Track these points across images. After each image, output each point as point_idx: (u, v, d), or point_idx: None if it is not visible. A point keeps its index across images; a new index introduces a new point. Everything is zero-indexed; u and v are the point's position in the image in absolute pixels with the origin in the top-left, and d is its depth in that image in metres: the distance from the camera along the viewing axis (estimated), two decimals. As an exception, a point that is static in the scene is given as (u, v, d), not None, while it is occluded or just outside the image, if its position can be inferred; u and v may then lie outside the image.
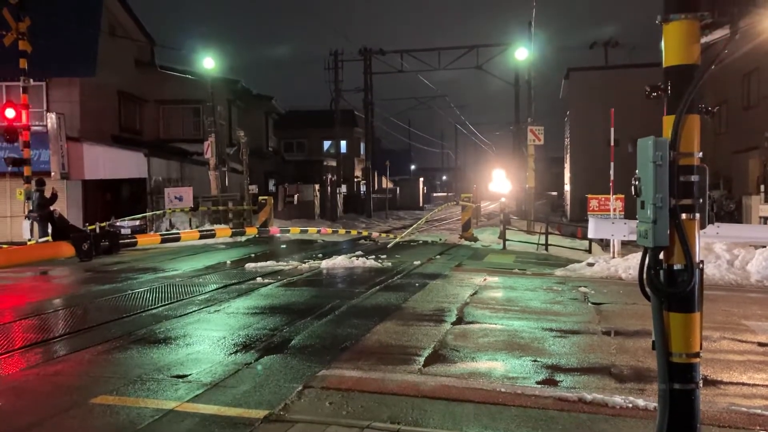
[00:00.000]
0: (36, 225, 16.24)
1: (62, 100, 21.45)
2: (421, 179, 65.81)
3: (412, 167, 74.57)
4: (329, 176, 38.96)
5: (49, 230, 13.49)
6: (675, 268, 2.90)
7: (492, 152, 46.80)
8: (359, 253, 14.67)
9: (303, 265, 12.89)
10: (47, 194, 16.45)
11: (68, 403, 4.52)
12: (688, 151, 2.88)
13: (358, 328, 6.90)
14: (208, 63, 24.37)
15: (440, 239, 21.39)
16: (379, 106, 45.40)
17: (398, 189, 57.44)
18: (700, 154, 2.90)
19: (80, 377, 5.19)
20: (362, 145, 46.97)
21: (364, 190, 45.43)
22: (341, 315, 7.67)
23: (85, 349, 6.09)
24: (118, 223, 19.35)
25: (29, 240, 16.09)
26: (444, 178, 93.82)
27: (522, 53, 31.01)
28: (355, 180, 48.96)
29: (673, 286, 2.91)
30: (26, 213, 16.70)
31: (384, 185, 48.78)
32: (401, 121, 61.63)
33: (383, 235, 24.23)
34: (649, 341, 3.08)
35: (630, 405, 4.37)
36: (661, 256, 2.94)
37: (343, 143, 44.85)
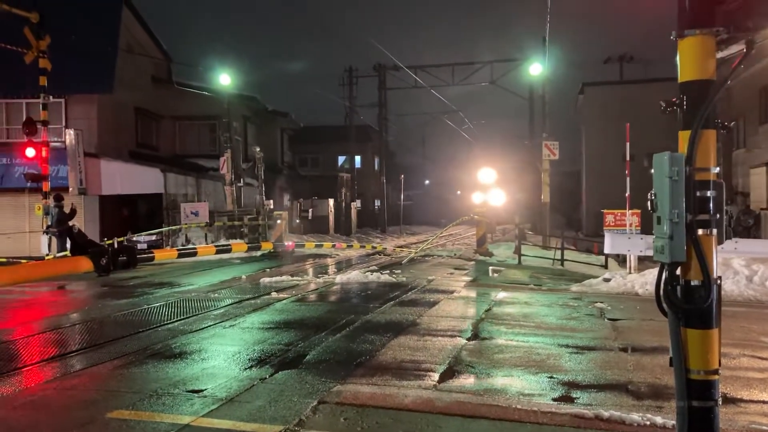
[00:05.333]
0: (54, 240, 16.43)
1: (80, 117, 21.74)
2: (436, 193, 65.74)
3: (427, 182, 74.57)
4: (344, 191, 39.07)
5: (68, 245, 13.62)
6: (692, 283, 2.89)
7: (474, 141, 43.47)
8: (374, 267, 14.68)
9: (318, 279, 12.91)
10: (66, 210, 16.64)
11: (85, 417, 4.54)
12: (704, 166, 2.87)
13: (373, 343, 6.89)
14: (225, 79, 24.64)
15: (455, 254, 21.34)
16: (393, 121, 45.48)
17: (413, 203, 57.41)
18: (717, 169, 2.89)
19: (97, 391, 5.22)
20: (377, 160, 47.09)
21: (379, 204, 45.49)
22: (356, 330, 7.66)
23: (102, 363, 6.12)
24: (134, 238, 19.51)
25: (47, 255, 16.26)
26: (458, 192, 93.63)
27: (536, 68, 30.98)
28: (370, 195, 49.04)
29: (690, 302, 2.89)
30: (44, 228, 16.89)
31: (398, 200, 48.81)
32: (416, 136, 61.82)
33: (398, 249, 24.24)
34: (667, 358, 3.05)
35: (648, 422, 4.32)
36: (678, 271, 2.93)
37: (358, 158, 44.99)
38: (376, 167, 47.01)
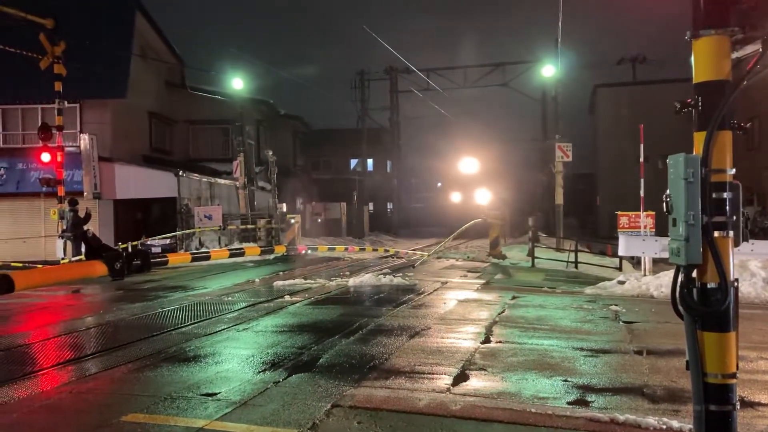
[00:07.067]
0: (69, 244, 16.55)
1: (95, 121, 21.94)
2: (449, 196, 65.59)
3: (439, 184, 74.54)
4: (356, 194, 39.13)
5: (83, 249, 13.74)
6: (708, 286, 2.86)
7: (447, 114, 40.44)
8: (386, 270, 14.66)
9: (330, 282, 12.92)
10: (81, 214, 16.78)
11: (99, 420, 4.57)
12: (720, 167, 2.84)
13: (386, 346, 6.88)
14: (237, 84, 24.76)
15: (468, 256, 21.30)
16: (405, 123, 45.49)
17: (425, 206, 57.39)
18: (733, 170, 2.86)
19: (111, 395, 5.25)
20: (389, 163, 47.12)
21: (391, 207, 45.51)
22: (369, 333, 7.66)
23: (117, 367, 6.16)
24: (148, 242, 19.63)
25: (62, 259, 16.39)
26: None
27: (549, 70, 30.86)
28: (382, 198, 49.07)
29: (706, 305, 2.86)
30: (60, 232, 17.04)
31: (411, 202, 48.82)
32: (428, 139, 61.71)
33: (410, 252, 24.21)
34: (683, 361, 3.01)
35: (664, 426, 4.28)
36: (695, 274, 2.90)
37: (370, 161, 45.09)
38: (389, 170, 47.05)
